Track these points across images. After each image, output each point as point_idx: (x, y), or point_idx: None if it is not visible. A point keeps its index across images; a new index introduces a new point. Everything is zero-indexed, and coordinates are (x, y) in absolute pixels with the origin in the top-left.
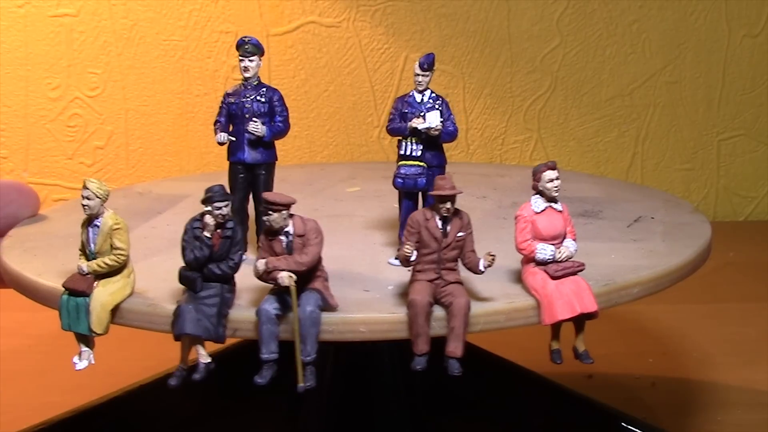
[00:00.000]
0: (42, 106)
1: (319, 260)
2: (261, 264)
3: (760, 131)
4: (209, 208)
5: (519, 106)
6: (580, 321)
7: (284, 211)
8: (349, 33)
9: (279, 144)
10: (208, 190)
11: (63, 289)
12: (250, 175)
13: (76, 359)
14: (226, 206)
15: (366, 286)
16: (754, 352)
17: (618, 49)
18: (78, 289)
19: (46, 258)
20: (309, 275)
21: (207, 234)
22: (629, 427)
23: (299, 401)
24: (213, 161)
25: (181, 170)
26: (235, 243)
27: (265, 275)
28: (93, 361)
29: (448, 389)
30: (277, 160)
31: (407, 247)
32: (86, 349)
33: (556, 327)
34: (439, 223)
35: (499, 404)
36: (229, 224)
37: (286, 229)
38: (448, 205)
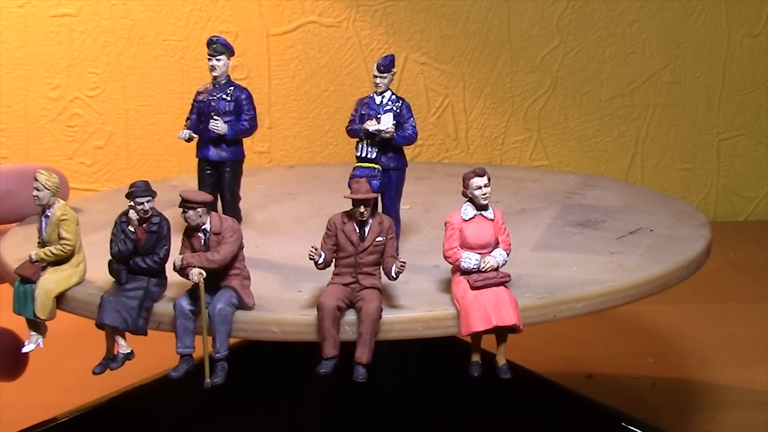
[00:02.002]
0: (42, 106)
1: (236, 258)
2: (178, 259)
3: (760, 131)
4: (132, 203)
5: (519, 106)
6: (501, 333)
7: (199, 209)
8: (349, 33)
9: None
10: (131, 186)
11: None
12: (216, 173)
13: (25, 342)
14: (148, 201)
15: (303, 287)
16: (754, 352)
17: (618, 49)
18: (26, 276)
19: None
20: (225, 273)
21: (131, 228)
22: (629, 427)
23: (299, 401)
24: None
25: (181, 170)
26: (161, 238)
27: (180, 271)
28: (41, 345)
29: (448, 389)
30: (244, 158)
31: (312, 250)
32: (34, 333)
33: (476, 338)
34: (357, 227)
35: (499, 404)
36: (155, 219)
37: (203, 227)
38: (362, 209)
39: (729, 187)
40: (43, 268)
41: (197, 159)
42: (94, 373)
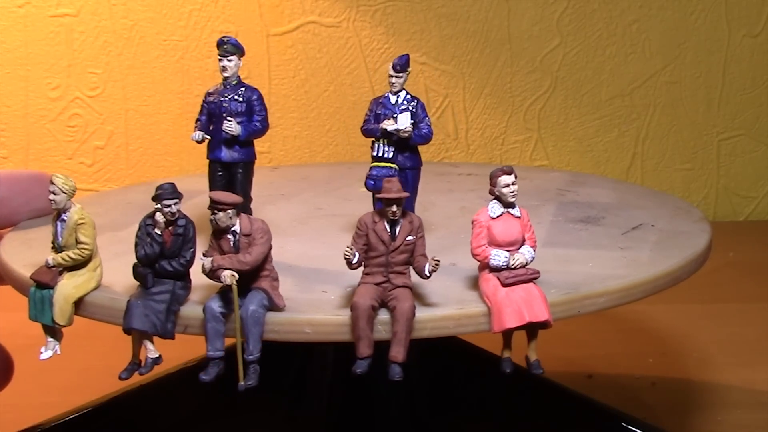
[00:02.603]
0: (42, 106)
1: (266, 260)
2: (207, 262)
3: (760, 131)
4: (159, 206)
5: (519, 106)
6: (532, 329)
7: (229, 210)
8: (349, 33)
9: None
10: (158, 188)
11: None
12: (228, 174)
13: (42, 349)
14: (175, 204)
15: (327, 287)
16: (754, 352)
17: (618, 49)
18: (43, 281)
19: (36, 251)
20: (255, 274)
21: (158, 231)
22: (629, 427)
23: (299, 401)
24: None
25: (181, 170)
26: (187, 240)
27: (210, 273)
28: (58, 352)
29: (448, 389)
30: (255, 159)
31: (347, 250)
32: (52, 339)
33: (507, 335)
34: (388, 227)
35: (499, 404)
36: (181, 222)
37: (233, 228)
38: (394, 208)
39: (729, 187)
40: (60, 273)
41: (208, 160)
42: (120, 378)
